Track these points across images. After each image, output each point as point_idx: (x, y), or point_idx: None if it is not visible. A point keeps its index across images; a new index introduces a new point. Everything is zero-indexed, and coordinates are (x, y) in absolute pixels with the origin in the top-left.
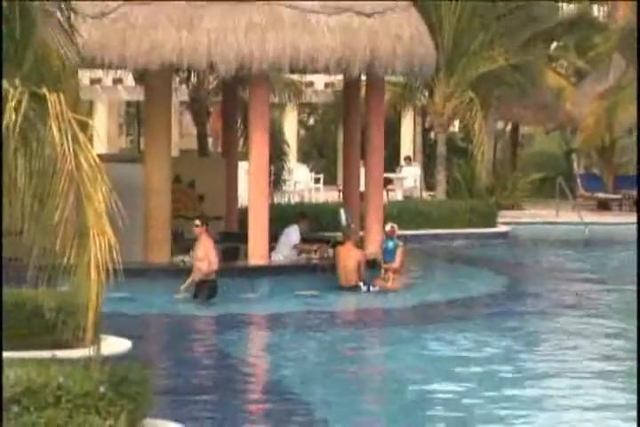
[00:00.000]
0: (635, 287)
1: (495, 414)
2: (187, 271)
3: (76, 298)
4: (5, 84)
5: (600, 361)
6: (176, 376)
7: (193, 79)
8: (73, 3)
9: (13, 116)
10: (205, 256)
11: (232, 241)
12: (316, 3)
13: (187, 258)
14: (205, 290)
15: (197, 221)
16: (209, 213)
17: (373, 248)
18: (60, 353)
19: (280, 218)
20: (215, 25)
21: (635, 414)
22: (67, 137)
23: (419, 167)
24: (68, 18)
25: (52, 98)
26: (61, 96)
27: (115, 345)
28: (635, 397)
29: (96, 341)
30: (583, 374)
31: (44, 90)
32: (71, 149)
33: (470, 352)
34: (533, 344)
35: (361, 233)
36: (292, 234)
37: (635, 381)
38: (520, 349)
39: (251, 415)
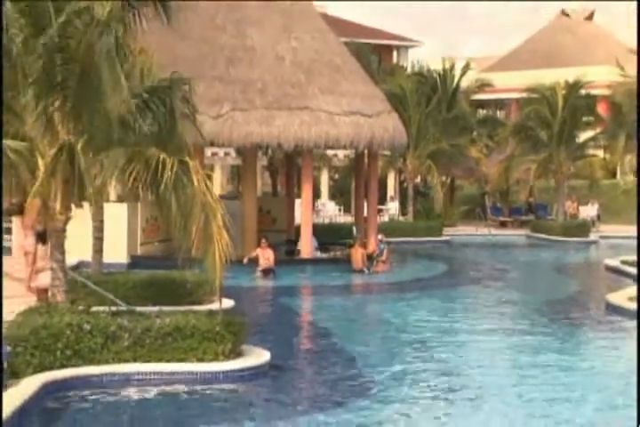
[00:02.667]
0: (525, 268)
1: (432, 334)
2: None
3: (203, 276)
4: (164, 155)
5: (498, 308)
6: (259, 320)
7: (269, 152)
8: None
9: (169, 173)
10: (268, 258)
11: (291, 244)
12: (337, 107)
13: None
14: (270, 273)
15: (264, 240)
16: (278, 228)
17: (371, 248)
18: (195, 307)
19: (319, 230)
20: (282, 122)
21: None
22: (200, 184)
23: (397, 202)
24: (194, 118)
25: (192, 163)
26: (196, 161)
27: (225, 303)
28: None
29: (221, 298)
30: (488, 315)
31: (187, 158)
32: (203, 191)
33: (423, 305)
34: (460, 301)
35: (364, 240)
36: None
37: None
38: (451, 303)
39: (301, 340)
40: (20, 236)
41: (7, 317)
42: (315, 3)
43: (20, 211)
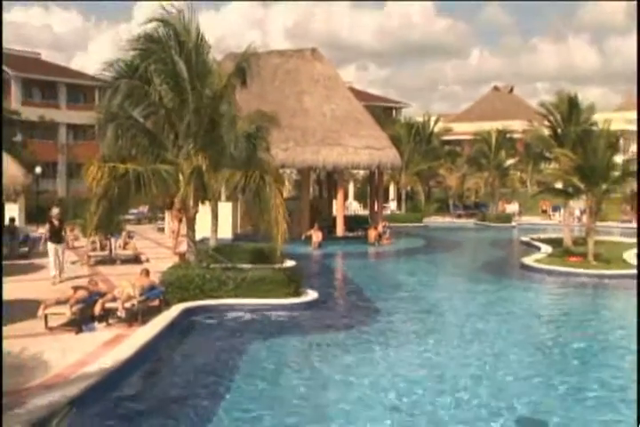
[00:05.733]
0: (472, 242)
1: (423, 287)
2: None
3: (273, 247)
4: (252, 173)
5: (455, 266)
6: (311, 273)
7: (317, 171)
8: (275, 145)
9: (254, 184)
10: (318, 236)
11: (330, 227)
12: (359, 144)
13: (307, 233)
14: (319, 245)
15: (316, 224)
16: (322, 218)
17: (379, 230)
18: (269, 266)
19: (348, 219)
20: (325, 153)
21: None
22: (274, 191)
23: (395, 202)
24: (268, 150)
25: (267, 178)
26: (272, 178)
27: (289, 263)
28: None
29: (283, 259)
30: (449, 270)
31: (266, 175)
32: (274, 195)
33: (411, 264)
34: (433, 262)
35: (375, 225)
36: None
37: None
38: (427, 263)
39: (337, 285)
40: (170, 221)
41: (162, 269)
42: (344, 80)
43: (170, 206)
